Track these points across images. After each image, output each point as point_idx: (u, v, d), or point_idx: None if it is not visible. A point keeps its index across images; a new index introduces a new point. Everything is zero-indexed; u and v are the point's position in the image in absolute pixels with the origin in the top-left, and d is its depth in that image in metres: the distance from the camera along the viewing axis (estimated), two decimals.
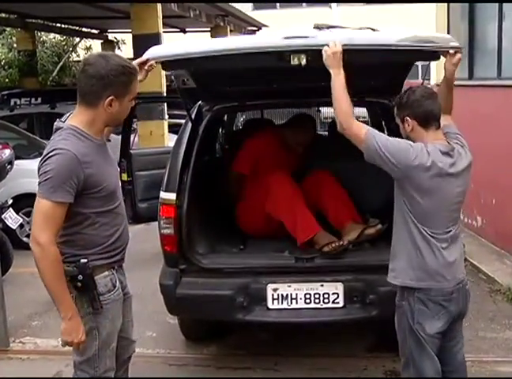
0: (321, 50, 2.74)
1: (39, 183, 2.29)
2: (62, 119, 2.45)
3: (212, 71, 3.41)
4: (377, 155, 2.56)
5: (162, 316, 4.31)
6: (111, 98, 2.33)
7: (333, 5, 19.81)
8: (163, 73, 9.44)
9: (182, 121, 4.15)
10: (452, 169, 2.60)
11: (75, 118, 2.40)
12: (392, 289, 3.16)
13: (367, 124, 5.92)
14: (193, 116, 3.91)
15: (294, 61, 2.90)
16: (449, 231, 2.64)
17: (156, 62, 2.90)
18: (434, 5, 8.14)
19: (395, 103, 2.75)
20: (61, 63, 16.32)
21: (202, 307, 3.55)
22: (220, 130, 5.56)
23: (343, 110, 2.63)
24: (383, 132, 5.43)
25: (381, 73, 3.51)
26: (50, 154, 2.27)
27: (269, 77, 3.59)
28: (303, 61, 2.89)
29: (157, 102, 8.88)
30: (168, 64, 3.13)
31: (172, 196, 3.56)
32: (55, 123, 2.43)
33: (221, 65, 3.10)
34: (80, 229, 2.37)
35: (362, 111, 5.96)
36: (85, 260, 2.34)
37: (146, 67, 2.81)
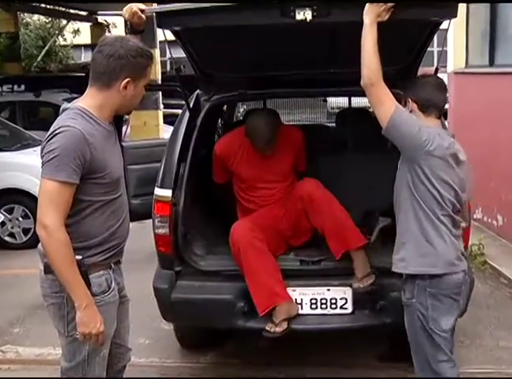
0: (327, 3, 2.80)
1: (43, 163, 2.32)
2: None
3: (210, 37, 3.40)
4: (395, 128, 2.65)
5: (156, 322, 4.33)
6: (127, 80, 2.38)
7: None
8: (158, 59, 9.47)
9: (178, 111, 4.17)
10: (459, 154, 2.76)
11: (84, 100, 2.44)
12: None
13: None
14: (191, 105, 3.92)
15: (299, 15, 2.87)
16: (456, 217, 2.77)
17: (151, 13, 2.92)
18: None
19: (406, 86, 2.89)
20: (46, 47, 16.33)
21: (199, 313, 3.56)
22: (220, 121, 5.57)
23: (374, 64, 2.66)
24: None
25: (393, 56, 3.52)
26: (56, 132, 2.31)
27: (272, 60, 3.61)
28: (309, 16, 2.86)
29: (152, 90, 8.88)
30: (164, 20, 3.08)
31: (167, 192, 3.57)
32: (62, 105, 2.50)
33: (219, 21, 3.02)
34: (78, 218, 2.39)
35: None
36: (80, 257, 2.36)
37: (138, 14, 2.84)
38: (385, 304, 3.41)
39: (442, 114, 2.90)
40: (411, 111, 2.79)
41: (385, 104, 2.66)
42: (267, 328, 3.39)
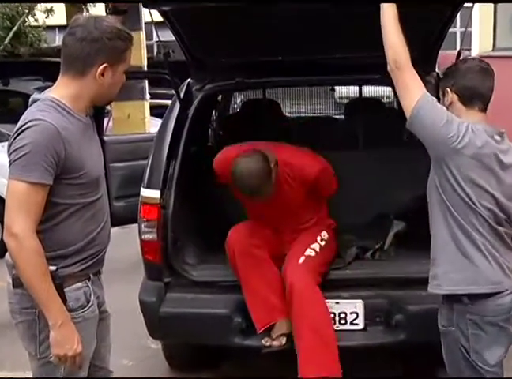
0: None
1: (11, 162, 2.31)
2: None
3: (202, 17, 3.43)
4: (419, 120, 2.58)
5: (142, 340, 4.35)
6: (104, 65, 2.37)
7: None
8: (144, 43, 9.49)
9: (167, 102, 4.19)
10: (502, 156, 2.62)
11: (57, 90, 2.43)
12: (425, 307, 3.18)
13: (393, 107, 6.05)
14: (181, 96, 3.95)
15: None
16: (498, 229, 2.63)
17: None
18: None
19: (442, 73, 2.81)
20: (14, 29, 16.27)
21: (191, 329, 3.59)
22: (214, 113, 5.61)
23: (399, 44, 2.62)
24: None
25: (410, 39, 3.54)
26: (25, 126, 2.29)
27: (273, 44, 3.64)
28: None
29: (137, 78, 8.87)
30: None
31: (155, 193, 3.60)
32: (32, 96, 2.46)
33: None
34: (51, 225, 2.38)
35: (387, 90, 6.03)
36: (54, 268, 2.35)
37: None
38: (402, 318, 3.44)
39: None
40: (450, 104, 2.68)
41: (411, 92, 2.60)
42: (263, 342, 3.44)
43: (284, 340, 3.45)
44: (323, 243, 3.63)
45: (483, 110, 2.70)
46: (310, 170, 3.60)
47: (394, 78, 2.64)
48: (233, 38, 3.60)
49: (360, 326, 3.51)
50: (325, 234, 3.69)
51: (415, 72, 2.63)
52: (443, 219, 2.63)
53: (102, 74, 2.38)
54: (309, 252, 3.53)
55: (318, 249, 3.57)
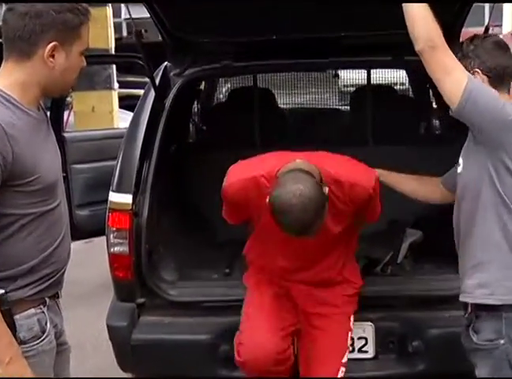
0: None
1: None
2: None
3: None
4: (473, 104, 2.62)
5: (110, 373, 4.34)
6: (53, 44, 2.35)
7: None
8: (111, 21, 9.50)
9: (139, 91, 4.21)
10: None
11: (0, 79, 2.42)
12: (448, 331, 3.27)
13: (407, 95, 6.08)
14: (157, 83, 3.97)
15: None
16: None
17: None
18: None
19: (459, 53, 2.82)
20: None
21: (169, 359, 3.61)
22: (196, 104, 5.64)
23: (430, 20, 2.65)
24: (431, 106, 5.59)
25: None
26: None
27: (266, 20, 3.68)
28: None
29: (102, 63, 8.88)
30: None
31: (126, 198, 3.62)
32: None
33: None
34: None
35: (400, 76, 6.06)
36: (2, 291, 2.34)
37: None
38: (420, 345, 3.47)
39: None
40: None
41: (454, 73, 2.64)
42: None
43: None
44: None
45: (509, 91, 2.81)
46: (366, 186, 3.19)
47: (427, 59, 2.66)
48: (219, 12, 3.60)
49: (370, 354, 3.54)
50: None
51: (450, 51, 2.67)
52: (497, 217, 2.68)
53: (52, 55, 2.36)
54: (345, 359, 3.35)
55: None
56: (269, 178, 3.12)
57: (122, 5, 17.75)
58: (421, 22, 2.65)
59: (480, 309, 2.73)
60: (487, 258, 2.72)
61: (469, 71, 2.77)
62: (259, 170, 3.18)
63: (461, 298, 2.80)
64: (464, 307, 2.82)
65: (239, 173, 3.24)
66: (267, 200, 2.95)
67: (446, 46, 2.67)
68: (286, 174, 3.02)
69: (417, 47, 2.67)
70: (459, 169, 2.81)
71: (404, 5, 2.66)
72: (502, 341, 2.67)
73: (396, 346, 3.53)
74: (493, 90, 2.72)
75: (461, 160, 2.81)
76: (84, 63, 2.49)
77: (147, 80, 4.04)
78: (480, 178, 2.71)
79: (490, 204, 2.70)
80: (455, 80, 2.64)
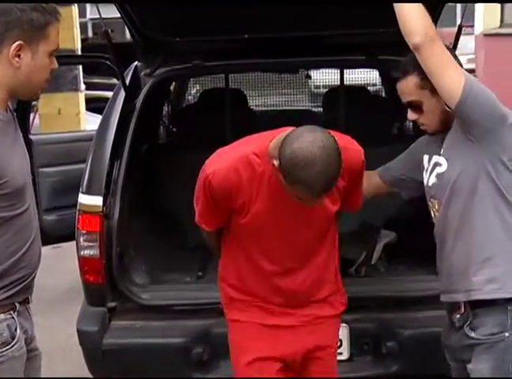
0: None
1: None
2: None
3: None
4: (474, 97, 2.66)
5: None
6: (18, 43, 2.35)
7: None
8: (77, 21, 9.46)
9: (105, 93, 4.20)
10: None
11: None
12: (422, 331, 3.36)
13: (380, 96, 6.13)
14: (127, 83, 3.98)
15: None
16: None
17: None
18: None
19: None
20: None
21: (141, 363, 3.60)
22: (166, 105, 5.64)
23: (425, 14, 2.67)
24: (404, 106, 5.64)
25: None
26: None
27: (238, 19, 3.70)
28: None
29: (70, 64, 8.82)
30: None
31: (96, 200, 3.61)
32: None
33: None
34: None
35: (372, 77, 6.11)
36: None
37: None
38: (394, 346, 3.50)
39: None
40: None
41: (452, 68, 2.68)
42: None
43: None
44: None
45: None
46: (357, 149, 2.98)
47: (426, 53, 2.66)
48: (190, 12, 3.62)
49: (345, 356, 3.55)
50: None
51: None
52: (496, 212, 2.74)
53: (18, 55, 2.36)
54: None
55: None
56: (260, 155, 2.82)
57: (88, 5, 17.68)
58: (416, 16, 2.66)
59: (478, 305, 2.75)
60: (492, 253, 2.76)
61: None
62: (246, 150, 2.89)
63: (475, 296, 2.76)
64: (451, 308, 2.85)
65: (221, 159, 2.91)
66: (275, 163, 2.62)
67: (441, 40, 2.68)
68: (291, 133, 2.67)
69: (415, 41, 2.65)
70: (440, 169, 2.83)
71: (395, 5, 2.68)
72: (507, 334, 2.70)
73: (370, 347, 3.56)
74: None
75: (442, 160, 2.83)
76: (56, 65, 2.49)
77: (114, 81, 4.03)
78: (475, 174, 2.74)
79: (488, 199, 2.74)
80: (454, 74, 2.67)
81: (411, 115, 2.86)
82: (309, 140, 2.57)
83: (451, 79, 2.66)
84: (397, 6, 2.69)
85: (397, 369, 3.52)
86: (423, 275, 3.66)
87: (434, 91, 2.74)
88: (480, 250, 2.77)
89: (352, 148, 2.91)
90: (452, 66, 2.68)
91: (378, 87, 6.16)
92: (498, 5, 7.27)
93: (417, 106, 2.81)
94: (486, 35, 7.21)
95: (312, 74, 6.77)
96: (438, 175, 2.84)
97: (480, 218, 2.76)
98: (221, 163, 2.87)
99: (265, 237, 2.95)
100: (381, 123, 4.85)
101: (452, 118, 2.78)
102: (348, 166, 2.81)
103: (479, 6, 7.35)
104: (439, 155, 2.84)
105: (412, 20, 2.66)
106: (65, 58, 7.81)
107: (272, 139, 2.78)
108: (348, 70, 5.25)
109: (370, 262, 3.86)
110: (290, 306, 3.02)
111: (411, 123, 5.40)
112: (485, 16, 7.32)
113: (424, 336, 3.44)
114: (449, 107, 2.70)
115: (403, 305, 3.56)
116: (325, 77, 6.41)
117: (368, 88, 5.95)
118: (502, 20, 7.27)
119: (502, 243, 2.76)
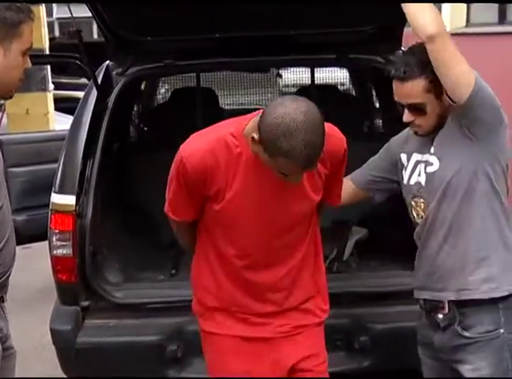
0: None
1: None
2: None
3: None
4: (482, 92, 2.69)
5: None
6: None
7: None
8: (45, 21, 9.41)
9: (74, 93, 4.20)
10: None
11: None
12: (394, 326, 3.42)
13: (351, 94, 6.19)
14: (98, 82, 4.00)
15: None
16: None
17: None
18: None
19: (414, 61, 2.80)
20: None
21: (116, 362, 3.63)
22: (138, 104, 5.66)
23: (431, 8, 2.69)
24: (374, 105, 5.70)
25: (369, 12, 3.63)
26: None
27: (210, 18, 3.74)
28: None
29: (40, 63, 8.76)
30: None
31: (69, 199, 3.62)
32: None
33: None
34: None
35: (341, 76, 6.16)
36: None
37: None
38: (366, 341, 3.56)
39: None
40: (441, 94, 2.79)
41: (464, 61, 2.68)
42: None
43: None
44: None
45: None
46: (340, 137, 2.86)
47: (440, 44, 2.65)
48: (161, 11, 3.65)
49: None
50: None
51: None
52: (491, 212, 2.78)
53: None
54: None
55: None
56: (237, 136, 2.68)
57: (54, 5, 17.54)
58: (426, 9, 2.66)
59: (466, 305, 2.78)
60: (488, 253, 2.79)
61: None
62: (222, 132, 2.74)
63: (473, 296, 2.78)
64: (431, 306, 2.86)
65: (197, 142, 2.76)
66: (255, 136, 2.50)
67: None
68: (272, 102, 2.57)
69: (430, 31, 2.62)
70: (431, 168, 2.83)
71: (402, 5, 2.69)
72: (501, 330, 2.75)
73: (343, 343, 3.59)
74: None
75: (433, 159, 2.83)
76: (29, 64, 2.50)
77: (82, 81, 4.04)
78: (471, 174, 2.76)
79: (485, 199, 2.77)
80: (466, 68, 2.68)
81: (408, 117, 2.81)
82: (292, 107, 2.44)
83: (462, 72, 2.66)
84: (406, 9, 2.70)
85: (370, 363, 3.58)
86: (395, 271, 3.73)
87: (438, 94, 2.75)
88: (476, 250, 2.79)
89: (335, 135, 2.79)
90: (463, 60, 2.67)
91: (346, 87, 6.22)
92: (465, 5, 7.36)
93: (417, 109, 2.78)
94: (452, 34, 7.28)
95: (282, 74, 6.80)
96: (428, 175, 2.83)
97: (477, 218, 2.78)
98: (196, 145, 2.74)
99: (240, 226, 2.79)
100: (351, 122, 4.90)
101: (444, 119, 2.79)
102: (331, 154, 2.73)
103: (446, 6, 7.44)
104: (429, 154, 2.84)
105: (425, 11, 2.66)
106: (36, 58, 7.76)
107: (249, 120, 2.68)
108: (317, 69, 5.30)
109: (341, 258, 3.91)
110: (266, 315, 2.90)
111: (381, 121, 5.49)
112: (452, 16, 7.40)
113: (396, 331, 3.51)
114: (453, 101, 2.68)
115: (375, 301, 3.61)
116: (294, 76, 6.45)
117: (338, 87, 6.00)
118: (468, 20, 7.36)
119: (496, 244, 2.79)
